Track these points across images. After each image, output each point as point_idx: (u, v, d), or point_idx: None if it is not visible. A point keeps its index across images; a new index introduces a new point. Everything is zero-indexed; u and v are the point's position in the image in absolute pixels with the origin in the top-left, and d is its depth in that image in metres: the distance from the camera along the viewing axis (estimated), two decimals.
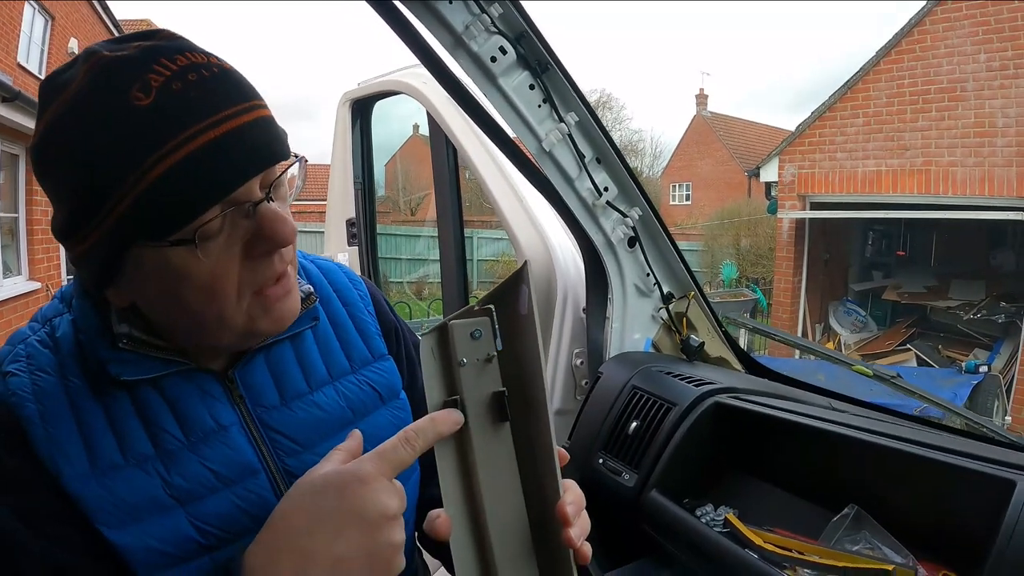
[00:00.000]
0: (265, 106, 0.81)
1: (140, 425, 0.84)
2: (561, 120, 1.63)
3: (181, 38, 0.79)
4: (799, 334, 10.97)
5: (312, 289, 1.01)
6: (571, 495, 0.80)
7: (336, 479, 0.72)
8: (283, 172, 0.83)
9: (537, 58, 1.57)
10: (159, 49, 0.75)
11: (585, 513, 0.84)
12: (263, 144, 0.78)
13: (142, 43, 0.76)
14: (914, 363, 9.90)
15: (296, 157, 0.85)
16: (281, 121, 0.82)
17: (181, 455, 0.85)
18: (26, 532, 0.77)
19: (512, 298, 0.78)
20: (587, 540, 0.82)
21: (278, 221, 0.79)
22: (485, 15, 1.48)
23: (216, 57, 0.79)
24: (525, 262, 0.76)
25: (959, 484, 1.20)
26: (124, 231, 0.75)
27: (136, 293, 0.82)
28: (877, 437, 1.34)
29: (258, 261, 0.81)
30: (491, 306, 0.77)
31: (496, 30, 1.51)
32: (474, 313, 0.78)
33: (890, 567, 1.18)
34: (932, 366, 9.68)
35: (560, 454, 0.79)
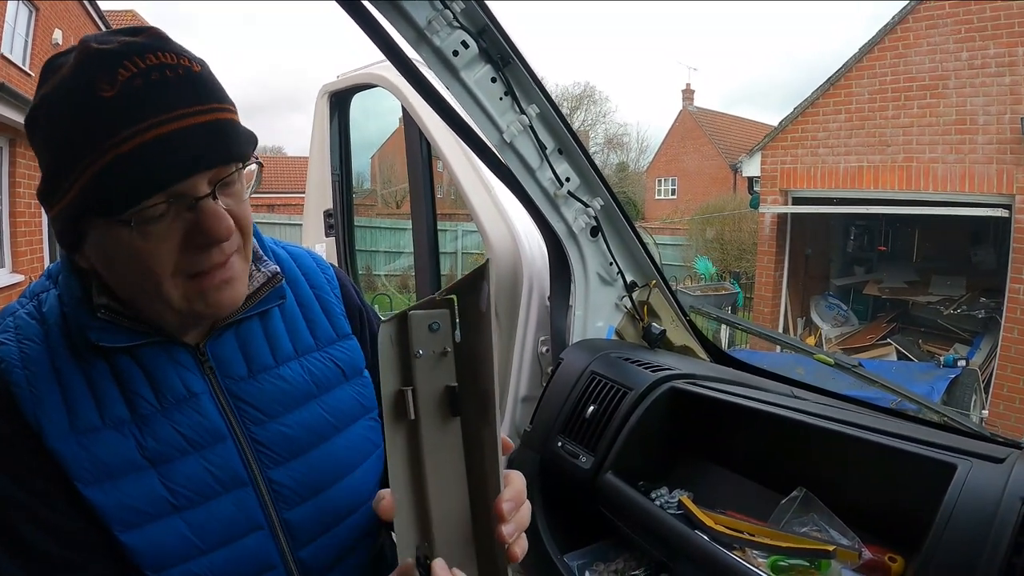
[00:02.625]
0: (229, 110, 0.88)
1: (117, 390, 0.91)
2: (522, 112, 1.67)
3: (164, 38, 0.86)
4: (780, 328, 10.99)
5: (278, 269, 1.06)
6: (510, 491, 0.83)
7: None
8: (232, 173, 0.89)
9: (499, 52, 1.61)
10: (136, 46, 0.82)
11: (526, 507, 0.88)
12: (213, 145, 0.85)
13: (126, 39, 0.83)
14: (894, 357, 9.94)
15: (255, 160, 0.92)
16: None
17: (155, 419, 0.92)
18: (13, 486, 0.84)
19: (473, 293, 0.79)
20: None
21: (216, 218, 0.86)
22: (448, 10, 1.52)
23: (189, 59, 0.86)
24: (487, 260, 0.78)
25: (904, 468, 1.24)
26: (79, 206, 0.84)
27: (95, 260, 0.90)
28: (826, 422, 1.38)
29: (196, 250, 0.88)
30: (452, 297, 0.79)
31: (458, 25, 1.55)
32: (435, 304, 0.79)
33: (831, 547, 1.22)
34: (912, 360, 9.72)
35: (504, 444, 0.83)
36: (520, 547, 0.84)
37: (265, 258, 1.07)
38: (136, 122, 0.79)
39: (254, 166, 0.93)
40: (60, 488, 0.85)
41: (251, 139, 0.91)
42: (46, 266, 9.10)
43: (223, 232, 0.86)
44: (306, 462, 1.01)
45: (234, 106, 0.89)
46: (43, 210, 0.89)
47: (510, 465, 1.93)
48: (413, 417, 0.79)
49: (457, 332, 0.79)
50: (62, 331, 0.91)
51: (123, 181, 0.80)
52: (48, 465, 0.85)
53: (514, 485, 0.86)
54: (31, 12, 10.73)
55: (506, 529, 0.81)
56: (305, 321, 1.10)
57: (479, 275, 0.78)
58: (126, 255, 0.85)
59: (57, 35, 11.38)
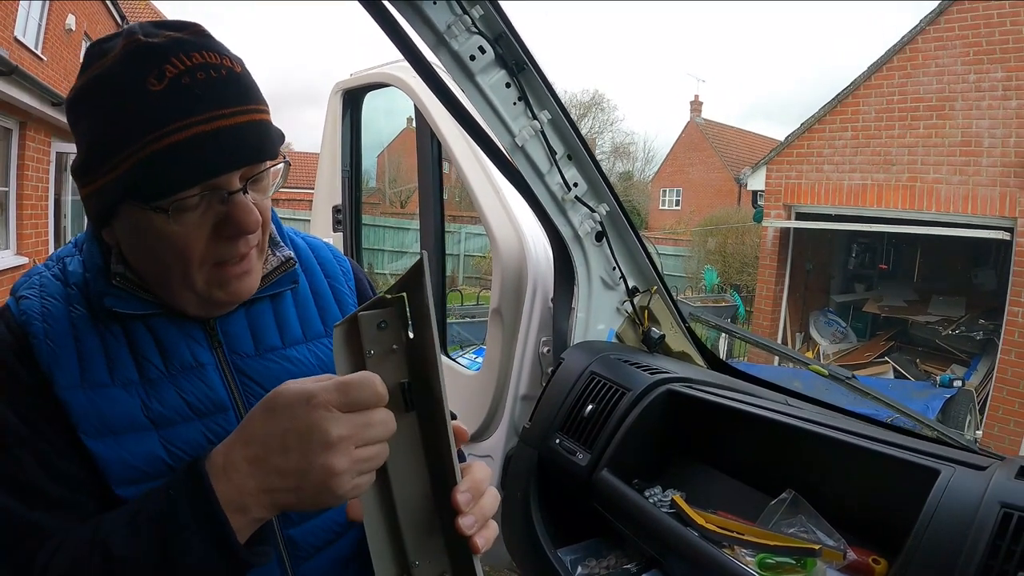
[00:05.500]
0: (263, 111, 0.94)
1: (128, 353, 0.96)
2: (534, 117, 1.72)
3: (207, 36, 0.92)
4: (779, 342, 11.02)
5: (292, 255, 1.11)
6: (467, 481, 0.85)
7: (290, 397, 0.78)
8: (264, 170, 0.95)
9: (514, 58, 1.66)
10: (182, 43, 0.88)
11: (490, 497, 0.88)
12: (250, 144, 0.91)
13: (172, 34, 0.89)
14: (891, 375, 9.97)
15: (283, 159, 0.99)
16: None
17: (161, 384, 0.96)
18: (20, 423, 0.89)
19: (419, 289, 0.81)
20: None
21: (246, 211, 0.91)
22: (467, 16, 1.58)
23: (231, 59, 0.91)
24: (423, 253, 0.81)
25: (889, 472, 1.28)
26: (118, 190, 0.88)
27: (122, 238, 0.96)
28: (816, 426, 1.42)
29: (225, 240, 0.93)
30: (403, 295, 0.81)
31: (476, 30, 1.60)
32: (385, 303, 0.81)
33: (817, 547, 1.27)
34: (909, 379, 9.74)
35: (459, 432, 0.87)
36: (484, 537, 0.85)
37: (281, 243, 1.12)
38: (182, 118, 0.84)
39: (281, 165, 0.99)
40: (64, 434, 0.89)
41: (280, 137, 0.97)
42: (51, 250, 9.15)
43: (252, 224, 0.92)
44: None
45: (267, 106, 0.95)
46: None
47: (508, 461, 1.98)
48: None
49: (410, 329, 0.82)
50: (82, 293, 0.96)
51: (164, 171, 0.85)
52: (56, 412, 0.89)
53: (472, 475, 0.87)
54: None
55: (464, 521, 0.82)
56: (317, 308, 1.14)
57: (419, 271, 0.80)
58: (158, 239, 0.90)
59: (70, 20, 11.44)
